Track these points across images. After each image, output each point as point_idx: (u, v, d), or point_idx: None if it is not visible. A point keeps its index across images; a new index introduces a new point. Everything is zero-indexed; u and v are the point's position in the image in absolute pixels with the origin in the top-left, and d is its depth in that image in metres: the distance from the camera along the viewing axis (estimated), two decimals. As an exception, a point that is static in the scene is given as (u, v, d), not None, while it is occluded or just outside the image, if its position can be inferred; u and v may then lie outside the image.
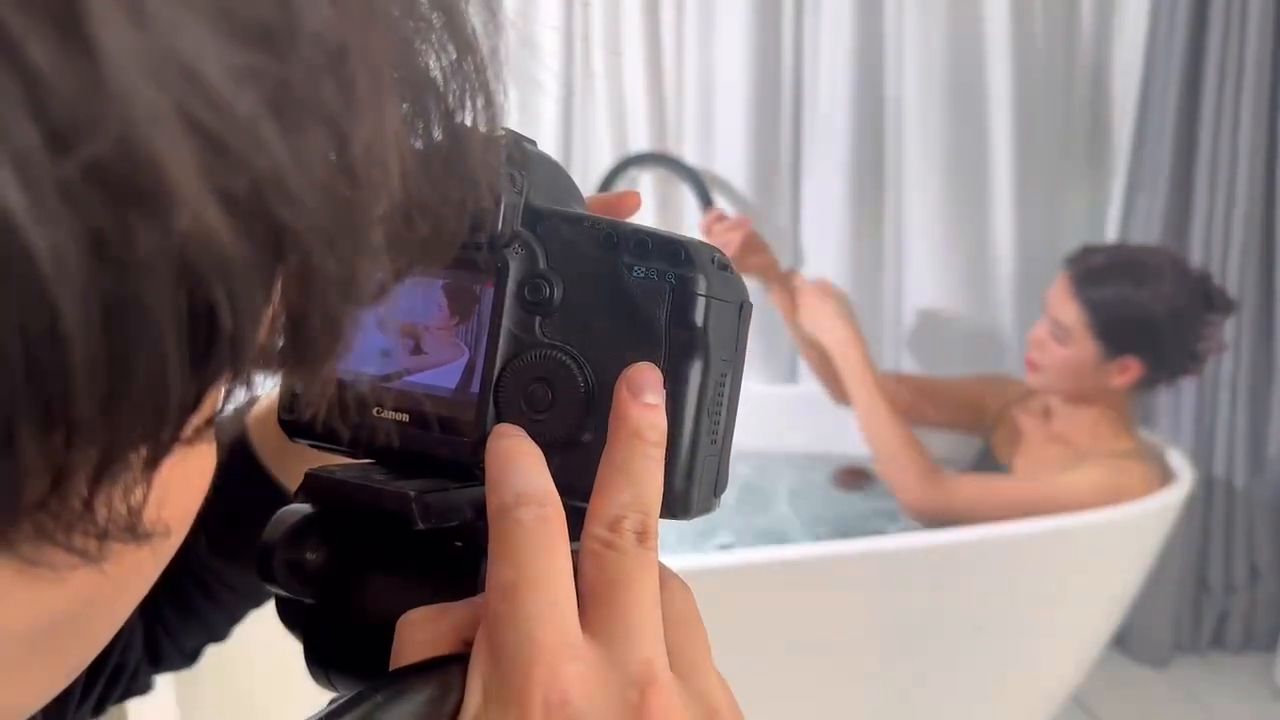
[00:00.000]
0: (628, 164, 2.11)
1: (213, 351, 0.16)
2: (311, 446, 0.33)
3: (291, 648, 0.32)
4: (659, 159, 2.14)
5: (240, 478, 0.47)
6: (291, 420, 0.33)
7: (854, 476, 1.91)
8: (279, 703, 0.25)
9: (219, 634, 0.53)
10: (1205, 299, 1.61)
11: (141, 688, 0.51)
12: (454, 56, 0.20)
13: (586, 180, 2.12)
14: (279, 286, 0.17)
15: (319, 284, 0.17)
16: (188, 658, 0.53)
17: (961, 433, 1.85)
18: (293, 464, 0.46)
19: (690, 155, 2.17)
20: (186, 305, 0.15)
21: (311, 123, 0.16)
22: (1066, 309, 1.60)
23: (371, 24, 0.17)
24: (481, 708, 0.26)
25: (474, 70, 0.21)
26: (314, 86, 0.16)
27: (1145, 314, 1.57)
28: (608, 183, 2.07)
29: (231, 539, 0.47)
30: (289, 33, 0.15)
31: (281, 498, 0.39)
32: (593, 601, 0.27)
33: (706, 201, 2.07)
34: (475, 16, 0.20)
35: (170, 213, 0.14)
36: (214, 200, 0.14)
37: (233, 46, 0.14)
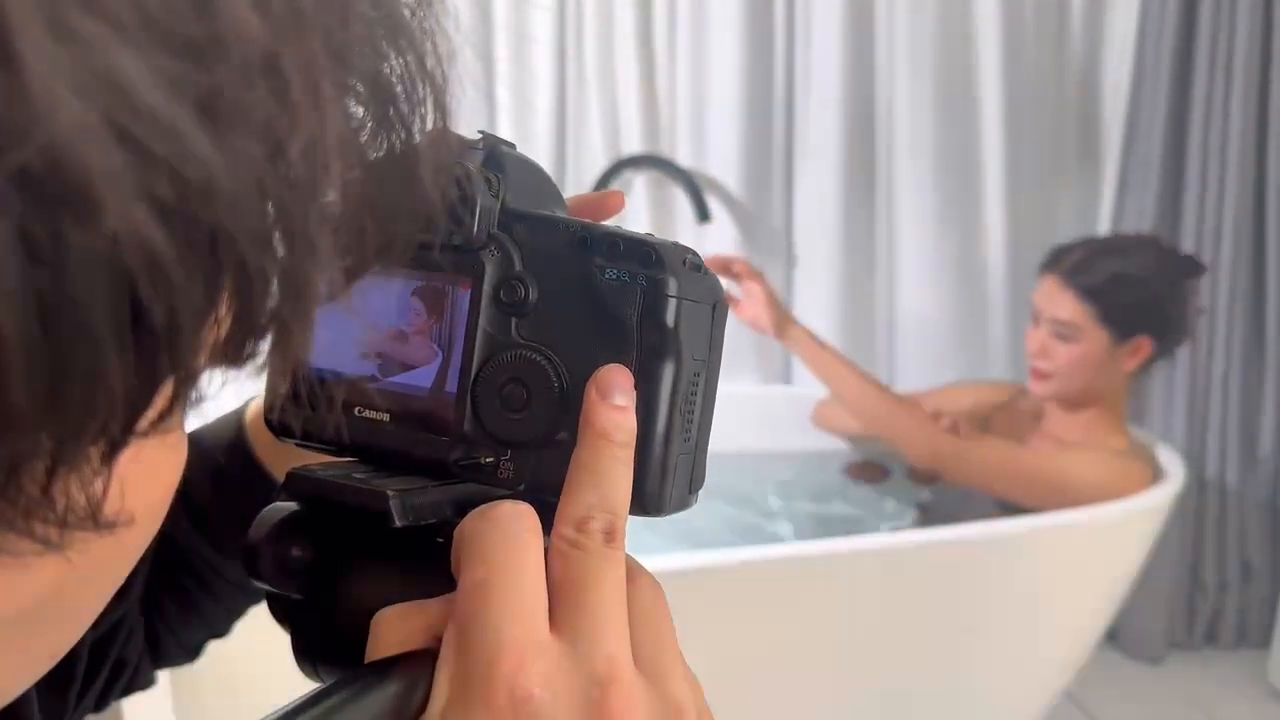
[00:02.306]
0: (621, 166, 2.11)
1: (154, 350, 0.16)
2: (298, 445, 0.34)
3: (286, 645, 0.33)
4: (652, 161, 2.15)
5: (238, 474, 0.48)
6: (277, 420, 0.34)
7: (866, 470, 1.91)
8: (278, 701, 0.25)
9: (220, 629, 0.53)
10: (1179, 263, 1.64)
11: (144, 683, 0.52)
12: (403, 62, 0.20)
13: (580, 182, 2.13)
14: (226, 288, 0.17)
15: (261, 286, 0.17)
16: (190, 653, 0.53)
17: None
18: (290, 461, 0.47)
19: (683, 157, 2.17)
20: (127, 305, 0.15)
21: (243, 128, 0.16)
22: (1065, 306, 1.58)
23: (305, 32, 0.17)
24: (447, 703, 0.26)
25: (424, 76, 0.21)
26: (245, 94, 0.16)
27: (1144, 287, 1.57)
28: (601, 185, 2.07)
29: (231, 534, 0.48)
30: (216, 43, 0.16)
31: None
32: (560, 600, 0.27)
33: (700, 202, 2.07)
34: (424, 22, 0.21)
35: (99, 218, 0.14)
36: (143, 205, 0.15)
37: (159, 59, 0.15)
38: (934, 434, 1.57)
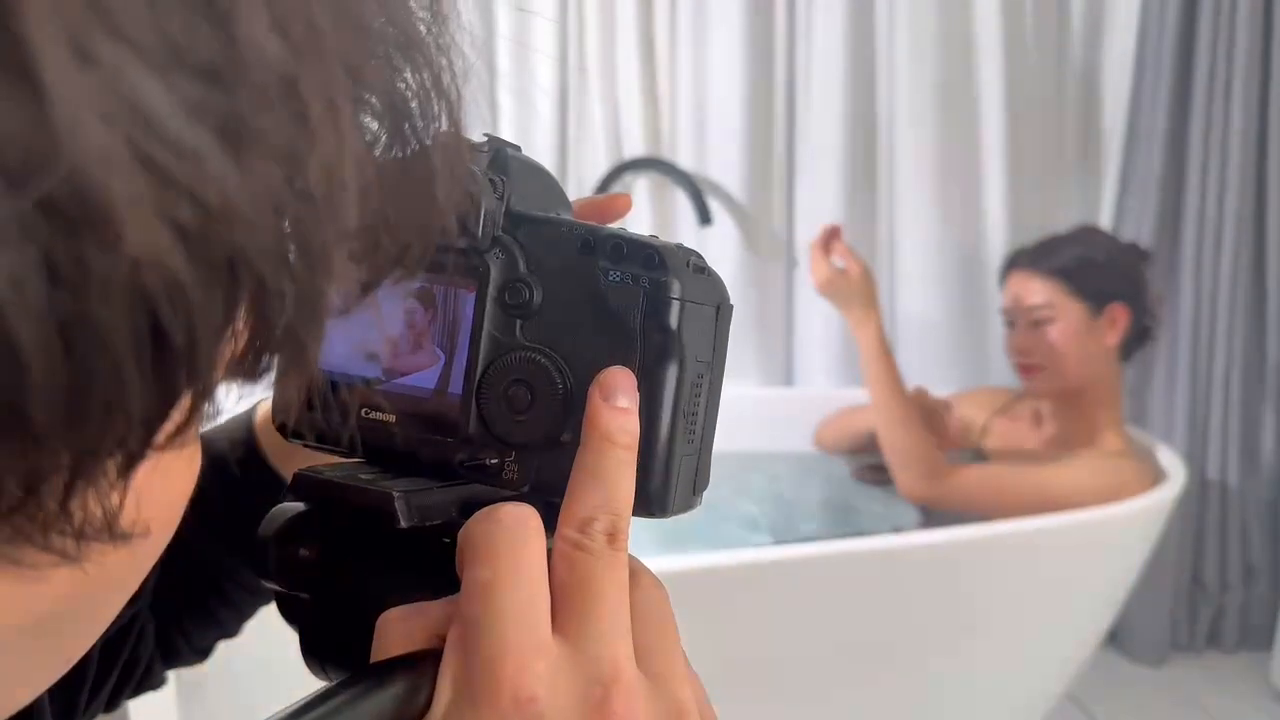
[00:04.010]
0: (623, 169, 2.12)
1: (172, 369, 0.16)
2: (307, 447, 0.34)
3: (290, 644, 0.33)
4: (654, 164, 2.15)
5: (249, 478, 0.49)
6: (290, 423, 0.34)
7: (877, 472, 1.90)
8: (282, 701, 0.26)
9: (230, 630, 0.54)
10: (1129, 246, 1.72)
11: (155, 683, 0.52)
12: (418, 79, 0.21)
13: (582, 185, 2.13)
14: (243, 306, 0.17)
15: (278, 304, 0.18)
16: (200, 654, 0.54)
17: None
18: (299, 462, 0.47)
19: (685, 160, 2.18)
20: (147, 326, 0.15)
21: (263, 151, 0.16)
22: (1035, 290, 1.63)
23: (324, 53, 0.17)
24: (451, 704, 0.26)
25: (438, 92, 0.21)
26: (265, 117, 0.16)
27: (1107, 256, 1.63)
28: (603, 188, 2.08)
29: (241, 536, 0.49)
30: (236, 69, 0.16)
31: None
32: (563, 601, 0.28)
33: (702, 205, 2.08)
34: (439, 39, 0.21)
35: (120, 242, 0.14)
36: (164, 229, 0.15)
37: (180, 84, 0.15)
38: (925, 478, 1.56)
